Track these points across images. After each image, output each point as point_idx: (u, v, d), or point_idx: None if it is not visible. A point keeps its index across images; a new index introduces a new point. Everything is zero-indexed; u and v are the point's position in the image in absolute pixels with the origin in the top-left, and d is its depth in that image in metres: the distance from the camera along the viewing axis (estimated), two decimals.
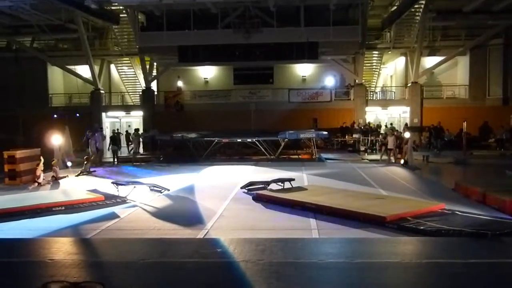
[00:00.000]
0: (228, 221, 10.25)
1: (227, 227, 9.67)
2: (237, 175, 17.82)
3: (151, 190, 14.07)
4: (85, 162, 19.42)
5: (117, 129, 31.71)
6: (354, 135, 28.80)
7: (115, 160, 23.70)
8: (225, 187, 14.73)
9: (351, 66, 32.45)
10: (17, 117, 28.60)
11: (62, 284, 0.95)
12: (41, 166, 16.91)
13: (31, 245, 8.60)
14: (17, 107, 29.79)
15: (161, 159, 24.25)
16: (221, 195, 13.35)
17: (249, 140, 24.72)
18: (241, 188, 14.03)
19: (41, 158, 17.39)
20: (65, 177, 17.92)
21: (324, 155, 24.48)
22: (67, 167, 20.50)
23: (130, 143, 29.01)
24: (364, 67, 31.96)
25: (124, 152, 27.45)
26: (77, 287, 0.96)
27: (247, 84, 32.63)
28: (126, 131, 30.69)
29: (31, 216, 10.87)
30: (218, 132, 25.64)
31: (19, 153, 17.06)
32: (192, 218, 10.50)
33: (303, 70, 33.79)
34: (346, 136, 29.22)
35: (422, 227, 8.74)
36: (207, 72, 33.84)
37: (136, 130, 27.13)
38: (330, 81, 32.11)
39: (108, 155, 25.24)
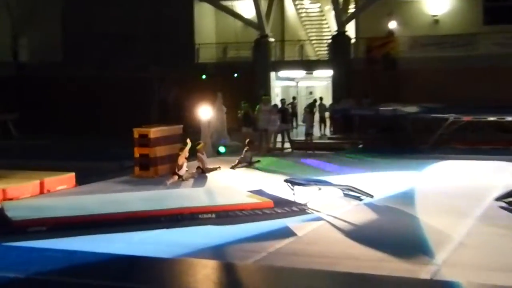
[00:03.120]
0: (474, 254, 9.92)
1: (471, 264, 9.33)
2: (488, 176, 17.37)
3: (345, 195, 14.37)
4: (246, 149, 20.37)
5: (293, 98, 32.79)
6: None
7: (287, 145, 24.53)
8: (467, 197, 14.44)
9: None
10: (151, 79, 31.17)
11: None
12: (185, 152, 17.99)
13: (168, 267, 9.33)
14: (151, 65, 32.50)
15: (360, 146, 24.44)
16: (460, 209, 13.09)
17: (509, 118, 23.53)
18: (496, 200, 13.62)
19: (188, 140, 18.38)
20: (216, 168, 19.07)
21: None
22: (219, 153, 21.77)
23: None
24: None
25: (300, 133, 28.25)
26: None
27: (505, 24, 31.24)
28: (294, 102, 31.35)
29: (169, 225, 11.74)
30: (455, 105, 25.02)
31: (153, 131, 18.54)
32: (411, 245, 10.38)
33: None
34: None
35: None
36: (438, 6, 32.98)
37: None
38: None
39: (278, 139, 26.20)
